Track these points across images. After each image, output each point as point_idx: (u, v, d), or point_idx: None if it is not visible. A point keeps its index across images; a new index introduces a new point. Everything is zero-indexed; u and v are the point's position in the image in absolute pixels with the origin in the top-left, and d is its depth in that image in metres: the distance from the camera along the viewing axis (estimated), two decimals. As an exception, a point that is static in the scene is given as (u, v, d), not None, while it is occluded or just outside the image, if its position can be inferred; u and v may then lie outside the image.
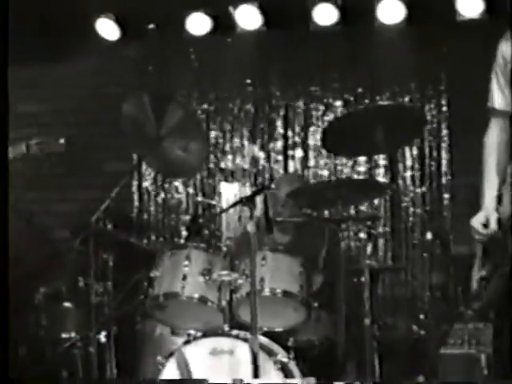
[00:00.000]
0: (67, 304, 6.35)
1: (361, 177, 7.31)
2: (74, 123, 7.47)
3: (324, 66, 7.46)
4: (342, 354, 6.01)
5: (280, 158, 7.53)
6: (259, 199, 5.65)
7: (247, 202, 5.45)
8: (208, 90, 7.76)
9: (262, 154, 7.02)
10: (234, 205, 5.88)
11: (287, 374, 5.53)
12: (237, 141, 7.66)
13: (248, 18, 7.31)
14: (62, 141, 5.24)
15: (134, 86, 7.24)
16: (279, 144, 7.60)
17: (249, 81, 7.70)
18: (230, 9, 7.29)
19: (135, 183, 7.72)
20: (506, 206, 3.86)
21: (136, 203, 7.73)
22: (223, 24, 7.46)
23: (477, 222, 3.98)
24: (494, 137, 4.15)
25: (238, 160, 7.48)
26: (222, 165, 7.33)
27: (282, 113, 7.65)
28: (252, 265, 5.33)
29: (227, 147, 7.65)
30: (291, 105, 7.64)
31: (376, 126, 5.50)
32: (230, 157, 7.59)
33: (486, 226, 3.96)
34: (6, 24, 3.65)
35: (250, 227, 5.45)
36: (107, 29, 7.53)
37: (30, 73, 7.35)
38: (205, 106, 7.75)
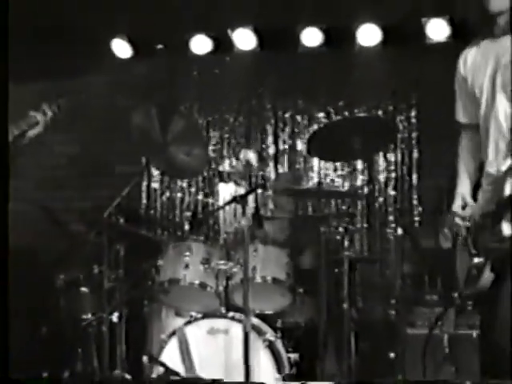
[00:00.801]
0: (84, 289, 6.31)
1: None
2: (90, 131, 7.45)
3: (309, 82, 7.44)
4: (323, 333, 6.01)
5: (271, 162, 7.53)
6: (251, 198, 5.68)
7: (240, 200, 5.47)
8: (209, 103, 7.75)
9: (255, 159, 7.00)
10: (228, 203, 5.90)
11: (274, 351, 5.55)
12: (233, 147, 7.66)
13: (244, 40, 7.32)
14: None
15: (144, 99, 7.22)
16: (271, 150, 7.59)
17: (244, 95, 7.70)
18: (229, 32, 7.28)
19: (144, 183, 7.73)
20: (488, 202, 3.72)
21: (144, 201, 7.73)
22: (222, 45, 7.46)
23: (456, 206, 3.91)
24: (463, 146, 4.10)
25: (234, 163, 7.47)
26: (220, 168, 7.31)
27: (272, 122, 7.64)
28: (245, 255, 5.37)
29: (225, 152, 7.65)
30: (281, 116, 7.63)
31: (354, 135, 5.52)
32: (227, 161, 7.58)
33: (463, 208, 3.89)
34: (6, 25, 3.47)
35: (243, 222, 5.49)
36: (121, 48, 7.53)
37: (53, 86, 7.32)
38: (206, 117, 7.74)
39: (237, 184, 6.03)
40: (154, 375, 5.56)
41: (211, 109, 7.76)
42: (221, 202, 6.93)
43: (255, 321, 5.71)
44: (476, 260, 3.68)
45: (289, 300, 5.88)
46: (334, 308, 5.99)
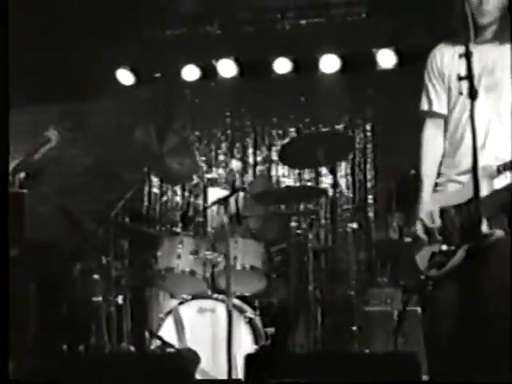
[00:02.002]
0: (95, 276, 6.27)
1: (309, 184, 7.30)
2: (101, 146, 7.43)
3: (282, 103, 7.42)
4: (293, 311, 6.03)
5: (250, 170, 7.51)
6: (232, 200, 5.67)
7: (223, 201, 5.47)
8: (198, 121, 7.70)
9: (239, 167, 6.98)
10: (213, 204, 5.88)
11: (253, 326, 5.55)
12: (219, 157, 7.64)
13: (227, 69, 7.30)
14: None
15: (144, 119, 7.19)
16: (250, 159, 7.58)
17: (228, 114, 7.65)
18: (213, 62, 7.27)
19: (146, 188, 7.71)
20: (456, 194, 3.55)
21: (146, 203, 7.71)
22: (209, 73, 7.42)
23: (424, 216, 3.64)
24: (430, 134, 3.77)
25: (221, 171, 7.47)
26: (209, 175, 7.29)
27: (252, 137, 7.62)
28: (227, 247, 5.37)
29: (213, 162, 7.63)
30: (258, 131, 7.61)
31: (318, 146, 5.49)
32: (214, 169, 7.57)
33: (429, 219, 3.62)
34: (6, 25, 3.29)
35: (225, 220, 5.48)
36: (124, 76, 7.50)
37: (64, 109, 7.29)
38: (196, 133, 7.69)
39: (223, 188, 6.02)
40: (153, 347, 5.56)
41: (200, 126, 7.71)
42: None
43: (237, 301, 5.68)
44: (444, 247, 3.54)
45: (264, 284, 5.86)
46: (301, 290, 5.98)
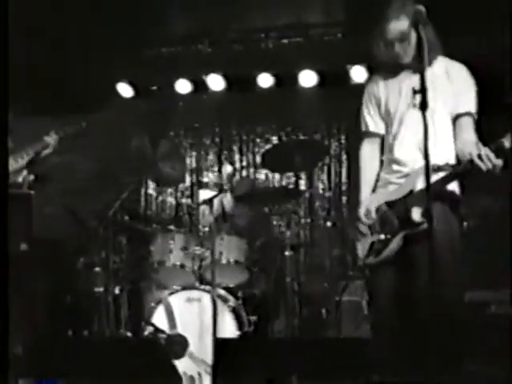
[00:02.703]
0: (97, 269, 6.28)
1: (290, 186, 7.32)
2: (102, 152, 7.40)
3: (265, 113, 7.43)
4: (273, 301, 6.04)
5: (237, 174, 7.52)
6: (217, 200, 5.70)
7: (208, 202, 5.50)
8: (190, 130, 7.71)
9: (229, 170, 6.99)
10: (200, 204, 5.90)
11: (236, 313, 5.56)
12: (209, 162, 7.66)
13: (215, 83, 7.29)
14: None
15: (140, 128, 7.20)
16: (237, 164, 7.59)
17: (217, 123, 7.67)
18: (203, 77, 7.28)
19: (143, 190, 7.72)
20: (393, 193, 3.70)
21: (143, 203, 7.71)
22: (200, 86, 7.40)
23: (361, 214, 3.81)
24: (367, 152, 4.01)
25: (210, 175, 7.49)
26: (200, 178, 7.32)
27: (238, 144, 7.63)
28: (212, 243, 5.40)
29: (203, 166, 7.64)
30: (244, 139, 7.63)
31: (296, 152, 5.52)
32: (205, 173, 7.58)
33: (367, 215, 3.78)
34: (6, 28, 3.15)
35: (211, 219, 5.52)
36: (124, 90, 7.48)
37: (67, 118, 7.27)
38: (188, 140, 7.70)
39: (212, 190, 6.02)
40: (146, 333, 5.57)
41: (192, 134, 7.71)
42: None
43: (221, 291, 5.71)
44: (382, 236, 3.66)
45: (247, 276, 5.89)
46: (280, 282, 5.99)
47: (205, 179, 7.42)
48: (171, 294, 5.61)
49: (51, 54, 6.65)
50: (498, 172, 3.30)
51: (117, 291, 6.08)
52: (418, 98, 3.10)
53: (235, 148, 7.64)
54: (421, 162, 3.44)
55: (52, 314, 6.61)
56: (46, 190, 6.93)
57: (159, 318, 5.55)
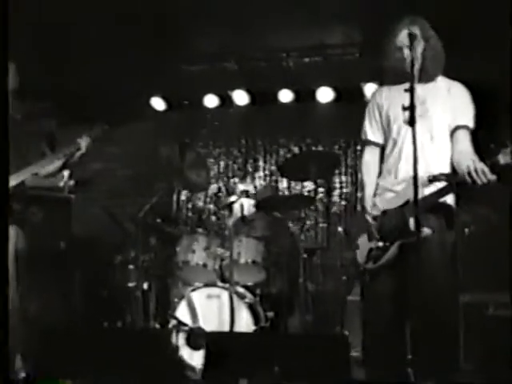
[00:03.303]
0: (131, 266, 6.35)
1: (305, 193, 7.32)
2: (135, 161, 7.49)
3: (286, 126, 7.47)
4: (288, 298, 6.05)
5: (262, 181, 7.55)
6: (238, 205, 5.74)
7: (228, 207, 5.54)
8: (218, 141, 7.77)
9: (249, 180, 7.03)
10: (222, 208, 5.93)
11: (253, 309, 5.57)
12: (235, 171, 7.69)
13: (240, 98, 7.36)
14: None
15: (170, 139, 7.26)
16: (261, 173, 7.62)
17: (242, 135, 7.72)
18: (229, 92, 7.33)
19: (175, 196, 7.76)
20: (392, 200, 3.67)
21: (174, 207, 7.75)
22: (226, 101, 7.47)
23: (368, 207, 3.81)
24: (367, 159, 4.00)
25: (235, 182, 7.50)
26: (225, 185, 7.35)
27: (262, 154, 7.65)
28: (230, 245, 5.44)
29: (230, 174, 7.69)
30: (268, 149, 7.65)
31: (313, 162, 5.53)
32: (231, 180, 7.60)
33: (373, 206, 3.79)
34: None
35: (230, 222, 5.55)
36: (157, 104, 7.56)
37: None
38: (216, 150, 7.76)
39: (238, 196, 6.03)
40: (170, 325, 5.61)
41: (220, 145, 7.76)
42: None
43: (238, 289, 5.74)
44: (380, 244, 3.64)
45: (264, 276, 5.92)
46: (295, 282, 5.99)
47: (230, 186, 7.43)
48: (193, 290, 5.65)
49: (94, 68, 6.74)
50: (492, 186, 3.30)
51: (145, 287, 6.10)
52: (407, 114, 3.11)
53: (259, 157, 7.65)
54: (420, 172, 3.43)
55: (90, 307, 6.70)
56: (86, 194, 7.06)
57: (182, 312, 5.61)
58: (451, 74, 3.81)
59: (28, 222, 6.31)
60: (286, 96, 7.20)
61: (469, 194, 4.68)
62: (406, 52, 3.61)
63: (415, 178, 3.11)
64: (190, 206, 7.75)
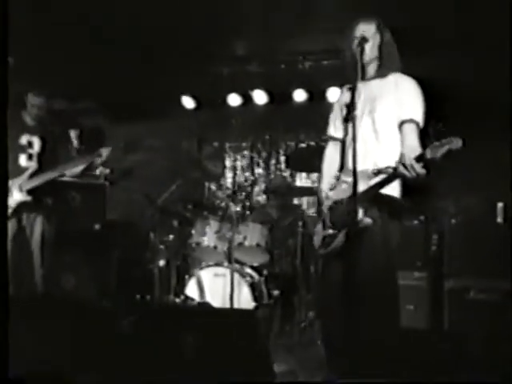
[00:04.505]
0: (161, 246, 6.41)
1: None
2: (166, 153, 7.53)
3: (300, 122, 7.40)
4: (292, 277, 6.05)
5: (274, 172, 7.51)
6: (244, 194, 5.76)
7: (234, 194, 5.56)
8: (240, 135, 7.72)
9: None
10: (233, 195, 5.94)
11: (254, 287, 5.59)
12: (256, 163, 7.67)
13: (260, 97, 7.31)
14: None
15: (194, 134, 7.31)
16: (283, 165, 7.56)
17: (262, 131, 7.66)
18: (250, 92, 7.33)
19: (206, 184, 7.77)
20: (343, 191, 3.53)
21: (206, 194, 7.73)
22: (247, 100, 7.42)
23: (322, 197, 3.74)
24: (327, 153, 3.90)
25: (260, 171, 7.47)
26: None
27: (283, 148, 7.59)
28: (233, 229, 5.48)
29: (245, 166, 7.65)
30: (288, 144, 7.58)
31: (316, 155, 5.46)
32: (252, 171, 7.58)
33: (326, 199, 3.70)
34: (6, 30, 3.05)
35: (235, 208, 5.59)
36: (187, 102, 7.55)
37: (143, 127, 7.46)
38: (239, 144, 7.70)
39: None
40: (178, 300, 5.69)
41: (242, 139, 7.72)
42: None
43: (245, 269, 5.78)
44: (330, 231, 3.58)
45: (267, 257, 5.93)
46: (294, 263, 5.99)
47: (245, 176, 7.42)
48: (201, 269, 5.72)
49: (132, 69, 6.83)
50: (422, 179, 3.18)
51: (161, 264, 6.21)
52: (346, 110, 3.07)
53: (280, 153, 7.55)
54: (363, 166, 3.40)
55: (123, 283, 6.82)
56: (131, 184, 7.16)
57: (192, 288, 5.68)
58: (408, 72, 3.66)
59: (64, 206, 6.50)
60: (299, 96, 7.11)
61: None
62: (355, 51, 3.49)
63: (354, 171, 3.06)
64: (211, 192, 7.74)
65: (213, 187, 7.24)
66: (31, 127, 5.11)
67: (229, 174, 7.30)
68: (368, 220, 3.30)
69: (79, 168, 4.96)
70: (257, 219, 6.01)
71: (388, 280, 3.41)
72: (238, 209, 5.96)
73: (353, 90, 3.16)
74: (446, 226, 5.61)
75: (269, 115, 7.48)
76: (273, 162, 7.44)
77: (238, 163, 7.48)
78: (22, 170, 4.95)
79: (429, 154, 3.06)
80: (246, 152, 7.58)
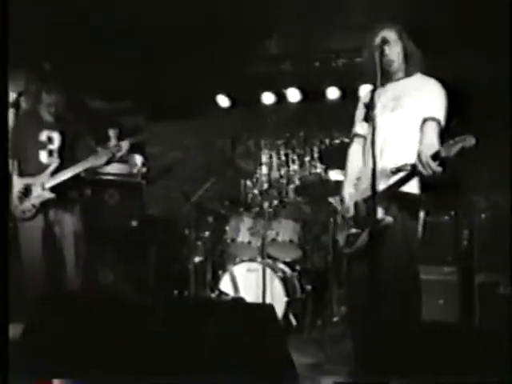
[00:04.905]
0: (198, 242, 6.54)
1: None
2: (201, 151, 7.69)
3: (333, 120, 7.43)
4: (324, 272, 6.13)
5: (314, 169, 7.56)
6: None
7: (266, 192, 5.68)
8: (275, 133, 7.75)
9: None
10: (265, 192, 6.05)
11: (285, 282, 5.71)
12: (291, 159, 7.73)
13: (293, 95, 7.42)
14: None
15: (228, 132, 7.44)
16: (318, 163, 7.59)
17: (296, 128, 7.67)
18: (283, 90, 7.43)
19: (241, 182, 7.85)
20: (365, 190, 3.54)
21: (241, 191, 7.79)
22: (280, 98, 7.54)
23: (345, 196, 3.77)
24: (352, 150, 3.95)
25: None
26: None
27: (317, 145, 7.60)
28: (265, 225, 5.60)
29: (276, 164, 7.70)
30: (323, 140, 7.58)
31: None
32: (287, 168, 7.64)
33: (342, 201, 3.77)
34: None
35: (267, 205, 5.71)
36: (223, 101, 7.68)
37: (175, 126, 7.60)
38: (273, 141, 7.74)
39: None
40: (213, 295, 5.84)
41: (277, 137, 7.75)
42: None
43: (278, 264, 5.91)
44: (354, 230, 3.62)
45: (300, 253, 6.05)
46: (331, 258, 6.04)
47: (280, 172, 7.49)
48: (234, 264, 5.85)
49: (170, 69, 6.98)
50: (438, 176, 3.23)
51: (196, 260, 6.34)
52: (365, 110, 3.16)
53: (315, 148, 7.56)
54: (383, 164, 3.48)
55: (161, 277, 6.97)
56: (168, 183, 7.33)
57: (225, 284, 5.82)
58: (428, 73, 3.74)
59: (102, 203, 6.69)
60: (332, 93, 7.21)
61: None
62: (385, 50, 3.57)
63: (374, 170, 3.15)
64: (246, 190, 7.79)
65: (247, 184, 7.30)
66: (50, 123, 5.04)
67: (263, 172, 7.38)
68: (389, 219, 3.36)
69: (101, 161, 4.91)
70: (290, 215, 6.11)
71: (410, 276, 3.47)
72: (271, 205, 6.05)
73: (372, 91, 3.26)
74: (477, 221, 5.64)
75: (302, 113, 7.54)
76: (307, 158, 7.46)
77: (273, 160, 7.54)
78: (43, 167, 4.90)
79: (443, 152, 3.12)
80: (280, 149, 7.63)
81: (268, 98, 7.53)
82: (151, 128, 7.70)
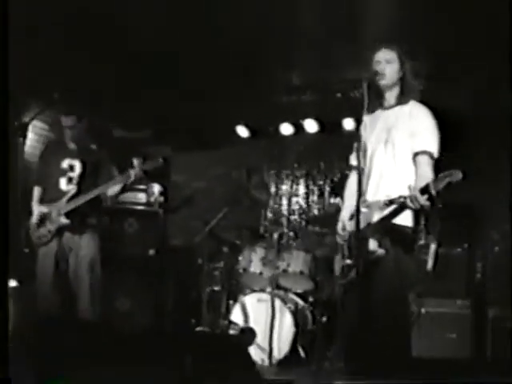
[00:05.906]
0: (216, 272, 6.63)
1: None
2: (219, 181, 7.75)
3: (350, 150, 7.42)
4: (335, 303, 6.06)
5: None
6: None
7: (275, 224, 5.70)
8: (292, 162, 7.83)
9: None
10: (275, 224, 6.07)
11: (295, 313, 5.68)
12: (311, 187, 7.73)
13: (311, 126, 7.43)
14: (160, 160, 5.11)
15: (246, 162, 7.50)
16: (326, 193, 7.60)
17: (315, 157, 7.70)
18: (301, 121, 7.47)
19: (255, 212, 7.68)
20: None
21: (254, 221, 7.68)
22: (299, 129, 7.56)
23: (338, 228, 3.82)
24: (350, 182, 3.98)
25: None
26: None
27: (337, 176, 7.60)
28: (277, 257, 5.64)
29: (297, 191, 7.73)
30: (335, 172, 7.57)
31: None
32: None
33: (344, 229, 3.78)
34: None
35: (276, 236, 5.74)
36: (242, 131, 7.72)
37: (196, 157, 7.72)
38: (294, 171, 7.77)
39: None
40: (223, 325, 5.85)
41: (298, 166, 7.77)
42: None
43: (290, 295, 5.89)
44: (348, 261, 3.64)
45: (311, 285, 6.02)
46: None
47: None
48: (245, 295, 5.86)
49: (193, 99, 7.09)
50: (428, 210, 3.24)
51: (214, 288, 6.39)
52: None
53: (328, 178, 7.58)
54: (377, 196, 3.49)
55: (180, 306, 7.01)
56: (190, 212, 7.37)
57: (236, 314, 5.83)
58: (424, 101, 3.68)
59: (121, 232, 6.77)
60: (348, 124, 7.19)
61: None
62: (383, 65, 3.60)
63: (358, 201, 3.17)
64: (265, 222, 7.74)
65: (261, 214, 7.33)
66: (73, 151, 5.18)
67: (278, 202, 7.39)
68: (381, 251, 3.38)
69: (114, 188, 5.03)
70: (300, 247, 6.12)
71: (401, 309, 3.46)
72: (282, 236, 6.06)
73: (358, 122, 3.29)
74: (490, 254, 5.58)
75: (320, 143, 7.58)
76: (327, 188, 7.46)
77: (287, 191, 7.56)
78: (62, 194, 5.02)
79: (432, 188, 3.12)
80: (299, 180, 7.66)
81: (286, 128, 7.55)
82: (176, 158, 7.80)
